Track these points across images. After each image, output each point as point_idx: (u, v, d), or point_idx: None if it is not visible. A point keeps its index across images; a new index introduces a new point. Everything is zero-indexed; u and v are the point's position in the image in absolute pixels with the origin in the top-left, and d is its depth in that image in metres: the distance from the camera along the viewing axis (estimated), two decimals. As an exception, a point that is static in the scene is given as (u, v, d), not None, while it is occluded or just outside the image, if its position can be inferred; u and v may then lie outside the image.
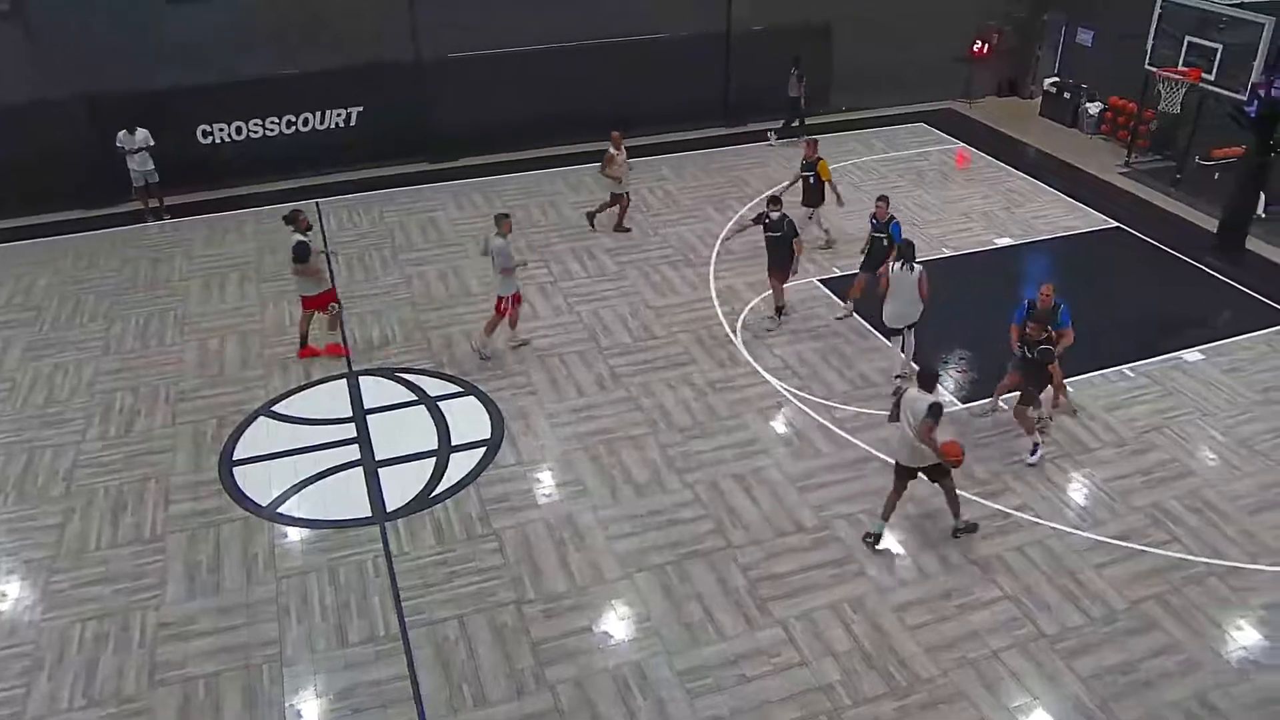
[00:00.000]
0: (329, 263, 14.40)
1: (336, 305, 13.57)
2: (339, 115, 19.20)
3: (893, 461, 10.31)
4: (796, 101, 20.90)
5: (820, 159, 15.95)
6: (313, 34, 18.11)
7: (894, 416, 10.02)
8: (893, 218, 13.76)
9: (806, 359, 13.52)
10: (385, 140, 19.51)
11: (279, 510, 10.77)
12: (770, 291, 14.39)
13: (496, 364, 13.33)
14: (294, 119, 18.94)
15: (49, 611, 9.48)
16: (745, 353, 13.66)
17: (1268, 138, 15.86)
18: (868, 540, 10.23)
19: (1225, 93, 16.89)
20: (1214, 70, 16.85)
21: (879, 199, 13.97)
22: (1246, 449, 11.90)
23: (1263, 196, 16.60)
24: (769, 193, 15.08)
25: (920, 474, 10.03)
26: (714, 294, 15.15)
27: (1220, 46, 16.73)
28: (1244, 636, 9.32)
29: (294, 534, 10.46)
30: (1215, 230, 16.83)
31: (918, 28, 22.33)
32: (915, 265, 12.25)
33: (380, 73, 19.03)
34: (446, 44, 19.14)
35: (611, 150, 16.42)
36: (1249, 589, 9.85)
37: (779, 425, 12.24)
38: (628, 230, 17.15)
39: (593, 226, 17.23)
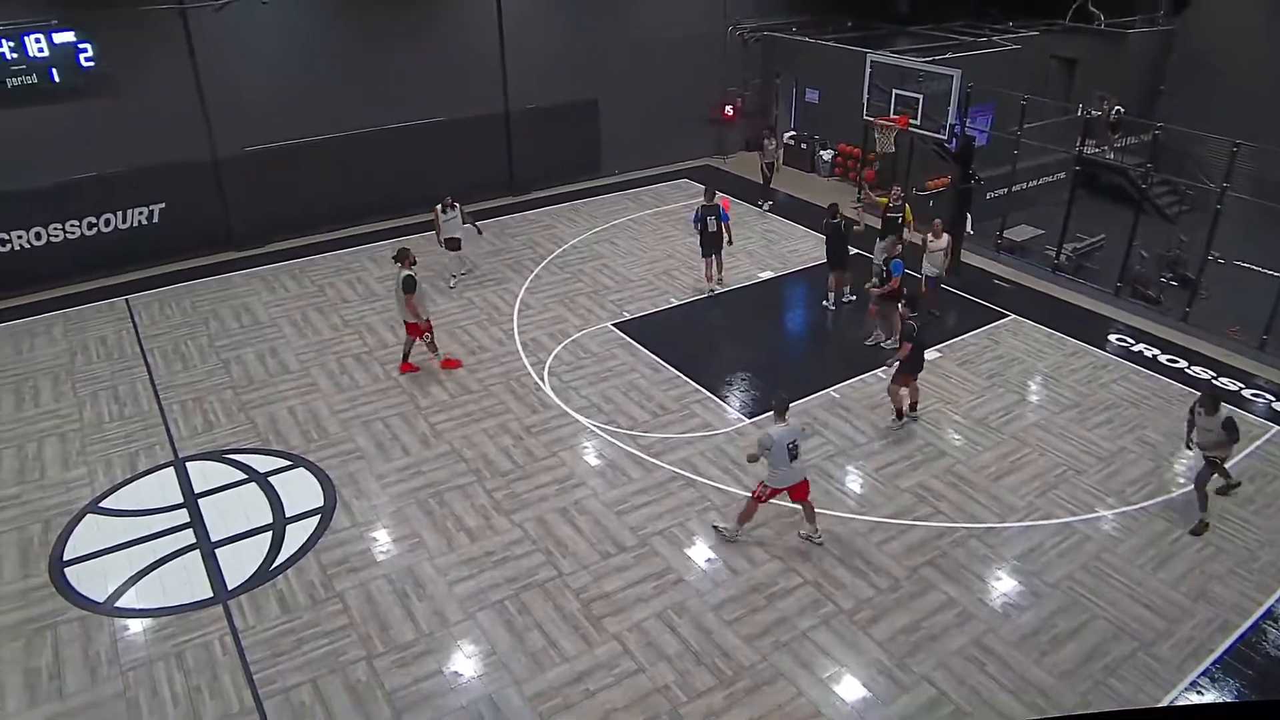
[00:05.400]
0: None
1: (430, 335, 13.98)
2: (141, 213, 18.00)
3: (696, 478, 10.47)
4: (769, 167, 21.31)
5: (906, 204, 16.74)
6: (108, 137, 16.98)
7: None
8: (898, 255, 14.35)
9: (609, 396, 13.63)
10: (190, 233, 18.44)
11: (117, 605, 9.87)
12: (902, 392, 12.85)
13: (320, 433, 12.77)
14: (95, 220, 17.60)
15: (-127, 745, 8.34)
16: (554, 397, 13.64)
17: (967, 168, 17.26)
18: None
19: (929, 134, 18.29)
20: (919, 116, 18.22)
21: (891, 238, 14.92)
22: (984, 427, 12.82)
23: (969, 217, 17.99)
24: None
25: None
26: (520, 347, 15.08)
27: (921, 96, 18.10)
28: (1003, 585, 10.00)
29: (135, 625, 9.60)
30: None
31: (674, 98, 23.25)
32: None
33: (180, 170, 18.00)
34: (243, 138, 18.37)
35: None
36: (1001, 544, 10.59)
37: (592, 458, 12.26)
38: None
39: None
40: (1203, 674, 8.92)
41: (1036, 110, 19.02)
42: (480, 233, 17.88)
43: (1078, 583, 10.00)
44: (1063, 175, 20.67)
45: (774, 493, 10.21)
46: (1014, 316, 15.96)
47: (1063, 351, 14.89)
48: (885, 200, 16.94)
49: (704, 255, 16.84)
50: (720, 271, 17.20)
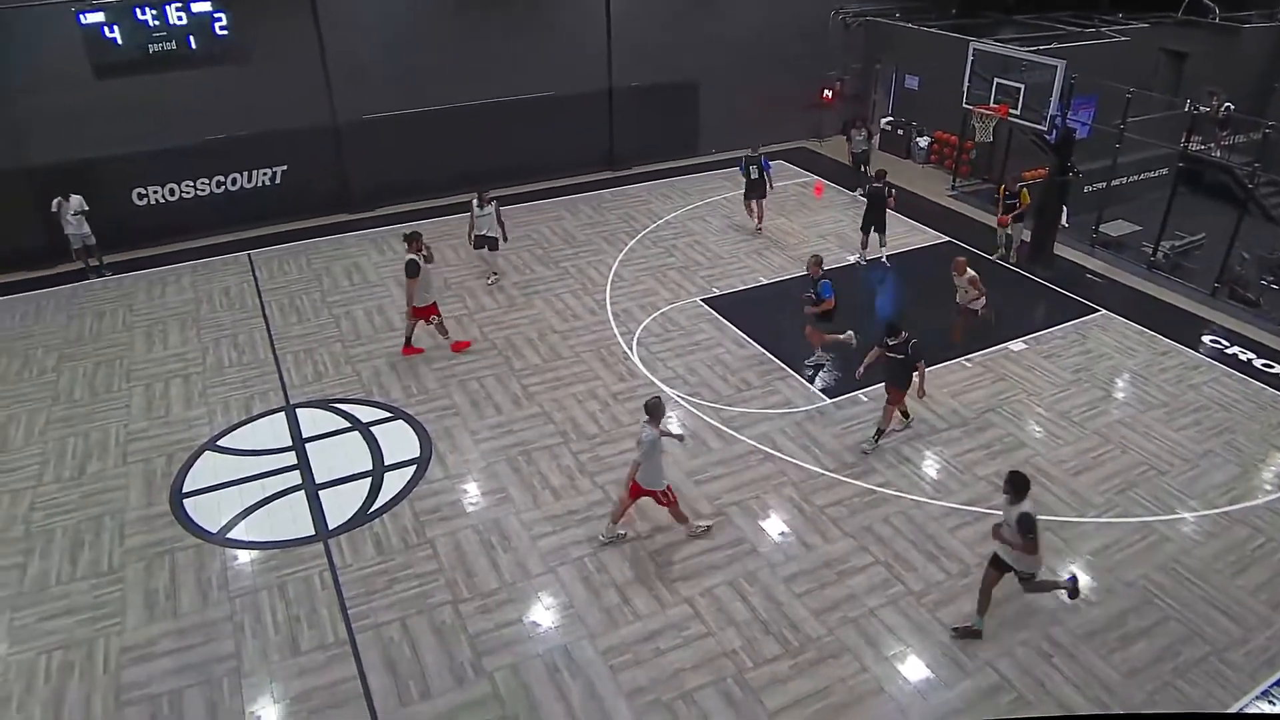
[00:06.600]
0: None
1: (437, 317, 13.79)
2: (265, 174, 18.66)
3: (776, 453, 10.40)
4: (860, 156, 21.07)
5: (1023, 188, 17.25)
6: (238, 101, 17.59)
7: None
8: (825, 276, 13.13)
9: (694, 369, 13.63)
10: (309, 194, 19.02)
11: (228, 536, 10.37)
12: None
13: (420, 389, 13.10)
14: (223, 179, 18.31)
15: (14, 647, 8.95)
16: (642, 367, 13.70)
17: (1065, 160, 16.62)
18: None
19: (1029, 124, 17.66)
20: (1019, 106, 17.60)
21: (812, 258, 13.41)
22: (1066, 421, 12.43)
23: (1065, 209, 17.35)
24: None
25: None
26: (611, 316, 15.18)
27: (1023, 86, 17.48)
28: (1074, 580, 9.72)
29: (244, 556, 10.08)
30: (1029, 239, 17.53)
31: (773, 80, 22.90)
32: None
33: (301, 135, 18.57)
34: (361, 107, 18.81)
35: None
36: (1077, 538, 10.29)
37: (674, 428, 12.28)
38: None
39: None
40: (1276, 684, 8.54)
41: (1142, 104, 18.17)
42: (505, 238, 16.49)
43: (1152, 582, 9.67)
44: (1165, 171, 19.76)
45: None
46: (1105, 312, 15.39)
47: (1153, 350, 14.30)
48: (1003, 187, 17.12)
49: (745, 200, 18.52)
50: (760, 221, 18.41)
